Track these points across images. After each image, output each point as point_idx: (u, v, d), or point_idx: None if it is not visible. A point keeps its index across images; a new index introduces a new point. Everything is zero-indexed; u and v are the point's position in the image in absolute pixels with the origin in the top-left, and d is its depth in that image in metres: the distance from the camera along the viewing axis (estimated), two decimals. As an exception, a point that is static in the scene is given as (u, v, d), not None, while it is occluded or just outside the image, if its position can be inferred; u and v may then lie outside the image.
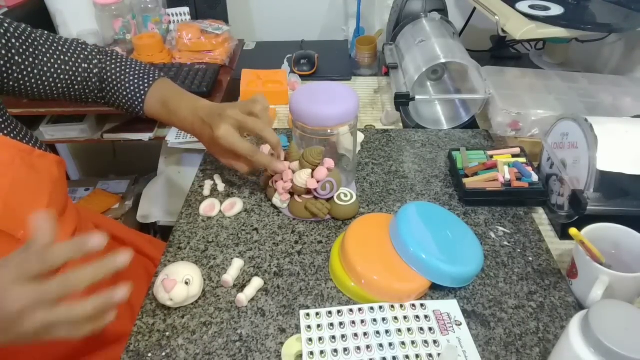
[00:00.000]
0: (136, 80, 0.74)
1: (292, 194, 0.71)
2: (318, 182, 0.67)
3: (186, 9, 1.35)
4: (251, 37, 1.46)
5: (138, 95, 0.74)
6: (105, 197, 1.56)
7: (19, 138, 0.61)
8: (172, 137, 1.33)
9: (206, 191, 0.78)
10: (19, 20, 0.66)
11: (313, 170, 0.68)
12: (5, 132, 0.59)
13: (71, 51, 0.71)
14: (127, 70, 0.74)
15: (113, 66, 0.74)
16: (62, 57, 0.69)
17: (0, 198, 0.54)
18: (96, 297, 0.45)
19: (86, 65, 0.72)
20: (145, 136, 1.32)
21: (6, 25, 0.63)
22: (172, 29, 1.34)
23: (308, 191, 0.69)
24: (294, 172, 0.70)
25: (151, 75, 0.75)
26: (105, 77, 0.74)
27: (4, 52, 0.61)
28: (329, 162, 0.68)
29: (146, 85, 0.74)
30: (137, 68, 0.75)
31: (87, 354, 0.68)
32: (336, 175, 0.69)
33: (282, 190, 0.70)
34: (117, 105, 0.76)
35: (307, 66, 1.18)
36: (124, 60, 0.76)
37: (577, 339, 0.42)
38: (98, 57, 0.74)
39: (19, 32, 0.64)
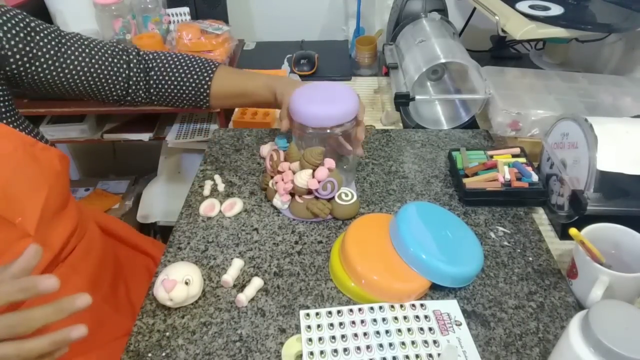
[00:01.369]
0: (196, 72, 0.76)
1: (292, 194, 0.71)
2: (319, 182, 0.67)
3: (186, 9, 1.35)
4: (251, 37, 1.46)
5: (201, 88, 0.76)
6: (105, 197, 1.56)
7: (25, 132, 0.61)
8: (172, 137, 1.33)
9: (206, 191, 0.78)
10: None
11: (314, 171, 0.68)
12: (12, 125, 0.60)
13: (107, 54, 0.71)
14: (180, 64, 0.77)
15: (162, 64, 0.76)
16: (95, 57, 0.69)
17: (1, 184, 0.55)
18: (52, 334, 0.43)
19: (126, 72, 0.73)
20: (145, 136, 1.32)
21: (27, 20, 0.63)
22: (172, 29, 1.33)
23: (309, 191, 0.69)
24: (294, 172, 0.70)
25: (210, 66, 0.77)
26: (153, 78, 0.75)
27: (21, 45, 0.61)
28: (330, 162, 0.68)
29: (208, 75, 0.76)
30: (191, 60, 0.77)
31: (87, 352, 0.68)
32: (337, 175, 0.69)
33: (283, 191, 0.69)
34: (173, 102, 0.78)
35: (307, 66, 1.18)
36: (172, 55, 0.78)
37: (577, 339, 0.42)
38: (137, 58, 0.75)
39: (42, 26, 0.64)
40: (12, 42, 0.60)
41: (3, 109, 0.60)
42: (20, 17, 0.62)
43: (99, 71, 0.70)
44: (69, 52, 0.66)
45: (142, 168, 1.67)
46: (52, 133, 1.32)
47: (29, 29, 0.62)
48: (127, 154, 1.78)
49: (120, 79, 0.72)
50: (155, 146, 1.45)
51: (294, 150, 0.70)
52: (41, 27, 0.64)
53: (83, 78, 0.68)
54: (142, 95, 0.76)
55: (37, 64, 0.63)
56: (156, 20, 1.32)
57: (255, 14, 1.51)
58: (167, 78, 0.75)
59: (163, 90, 0.76)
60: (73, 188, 1.59)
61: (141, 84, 0.75)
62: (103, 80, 0.71)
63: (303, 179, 0.68)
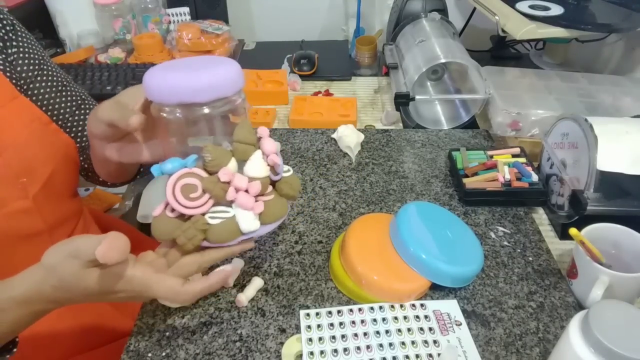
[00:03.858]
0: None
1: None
2: (277, 154, 0.49)
3: (186, 9, 1.35)
4: (251, 37, 1.46)
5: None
6: (105, 197, 1.56)
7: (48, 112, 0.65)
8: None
9: (206, 191, 0.77)
10: (19, 20, 0.67)
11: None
12: (37, 103, 0.63)
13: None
14: None
15: None
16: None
17: (15, 145, 0.58)
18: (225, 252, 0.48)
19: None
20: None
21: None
22: (172, 29, 1.33)
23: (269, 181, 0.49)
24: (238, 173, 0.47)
25: None
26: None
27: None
28: (263, 130, 0.49)
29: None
30: None
31: (87, 352, 0.68)
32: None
33: (252, 200, 0.46)
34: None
35: (307, 66, 1.18)
36: None
37: (577, 339, 0.42)
38: None
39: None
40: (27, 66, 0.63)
41: (29, 85, 0.63)
42: (38, 51, 0.66)
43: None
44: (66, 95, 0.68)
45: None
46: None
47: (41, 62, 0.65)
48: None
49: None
50: (155, 146, 1.45)
51: (217, 150, 0.46)
52: (52, 67, 0.67)
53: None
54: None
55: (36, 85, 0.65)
56: (156, 20, 1.32)
57: (255, 14, 1.51)
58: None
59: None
60: (73, 188, 1.59)
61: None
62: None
63: (260, 165, 0.47)
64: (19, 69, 0.62)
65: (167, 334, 0.56)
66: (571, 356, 0.42)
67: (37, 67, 0.64)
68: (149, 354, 0.54)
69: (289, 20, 1.48)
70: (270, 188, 0.49)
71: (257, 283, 0.61)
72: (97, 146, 0.53)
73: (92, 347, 0.68)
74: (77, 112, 0.69)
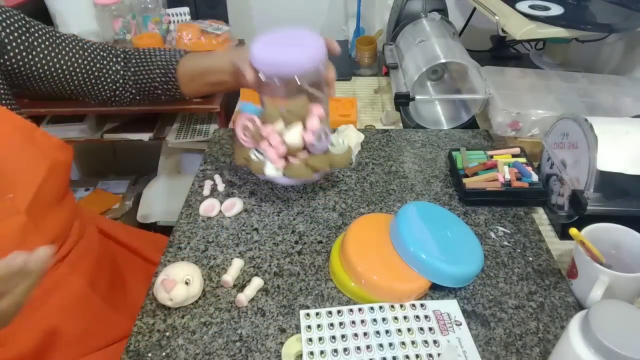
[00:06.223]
0: (165, 61, 0.76)
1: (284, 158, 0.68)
2: (313, 133, 0.64)
3: (186, 9, 1.35)
4: (251, 37, 1.45)
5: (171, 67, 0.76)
6: (105, 197, 1.56)
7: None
8: (172, 137, 1.33)
9: (206, 191, 0.78)
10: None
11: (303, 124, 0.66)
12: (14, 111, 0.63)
13: (99, 57, 0.73)
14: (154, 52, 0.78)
15: (138, 59, 0.77)
16: (88, 58, 0.72)
17: None
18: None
19: (116, 75, 0.75)
20: (145, 136, 1.32)
21: (24, 16, 0.65)
22: (172, 29, 1.33)
23: (303, 148, 0.66)
24: (280, 133, 0.65)
25: (177, 54, 0.78)
26: (134, 74, 0.76)
27: (17, 34, 0.63)
28: (318, 109, 0.64)
29: (176, 61, 0.76)
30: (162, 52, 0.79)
31: (88, 354, 0.68)
32: (325, 122, 0.67)
33: (276, 155, 0.64)
34: (152, 96, 0.79)
35: (307, 66, 1.18)
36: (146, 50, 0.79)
37: (577, 339, 0.42)
38: (124, 61, 0.76)
39: (38, 24, 0.67)
40: (9, 30, 0.63)
41: (4, 95, 0.62)
42: (17, 12, 0.65)
43: (89, 72, 0.72)
44: (63, 48, 0.69)
45: (142, 168, 1.67)
46: (52, 133, 1.31)
47: (25, 21, 0.65)
48: (127, 154, 1.77)
49: (109, 80, 0.75)
50: (155, 146, 1.45)
51: (273, 110, 0.64)
52: (37, 24, 0.67)
53: (74, 76, 0.70)
54: (128, 96, 0.78)
55: (33, 53, 0.65)
56: (156, 20, 1.32)
57: (255, 14, 1.51)
58: (142, 72, 0.76)
59: (141, 85, 0.77)
60: (73, 188, 1.59)
61: (127, 85, 0.76)
62: (93, 81, 0.73)
63: (295, 135, 0.64)
64: None
65: (167, 334, 0.56)
66: (571, 356, 0.42)
67: (21, 29, 0.64)
68: (149, 354, 0.54)
69: (289, 20, 1.48)
70: (305, 155, 0.65)
71: (257, 283, 0.61)
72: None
73: (92, 348, 0.68)
74: (82, 61, 0.70)
